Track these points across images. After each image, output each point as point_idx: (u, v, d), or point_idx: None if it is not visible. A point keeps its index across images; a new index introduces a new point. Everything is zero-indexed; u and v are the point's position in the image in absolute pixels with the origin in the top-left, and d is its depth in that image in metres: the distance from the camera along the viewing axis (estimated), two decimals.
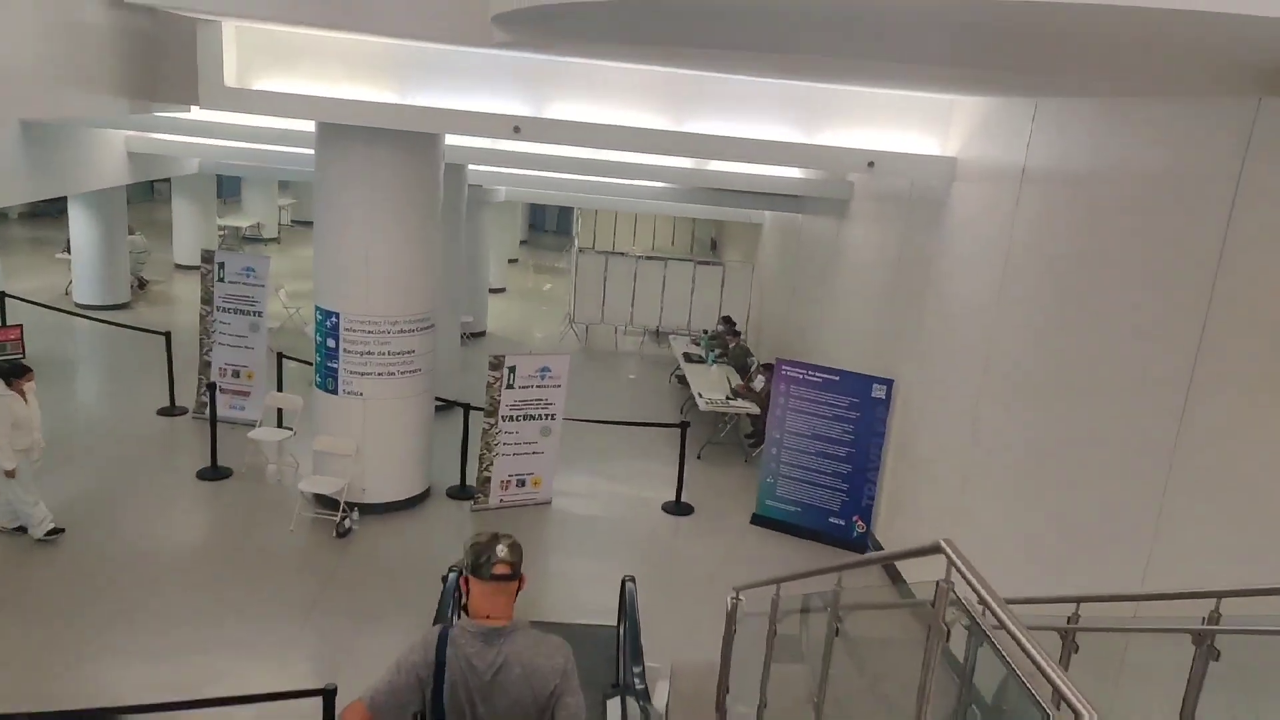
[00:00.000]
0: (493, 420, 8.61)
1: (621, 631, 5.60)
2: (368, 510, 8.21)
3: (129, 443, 9.58)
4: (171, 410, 10.41)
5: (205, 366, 10.27)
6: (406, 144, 7.72)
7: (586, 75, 7.30)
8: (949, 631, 2.91)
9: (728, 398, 10.88)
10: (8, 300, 12.28)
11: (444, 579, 5.56)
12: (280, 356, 10.21)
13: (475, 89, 7.25)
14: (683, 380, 12.80)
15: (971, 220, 7.21)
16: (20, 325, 9.06)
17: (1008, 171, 6.53)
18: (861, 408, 8.32)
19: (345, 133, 7.58)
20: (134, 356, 11.98)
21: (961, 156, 7.48)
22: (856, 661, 4.57)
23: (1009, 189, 6.48)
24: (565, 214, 29.88)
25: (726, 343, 13.33)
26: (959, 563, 2.86)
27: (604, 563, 7.72)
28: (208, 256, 10.34)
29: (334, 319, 8.04)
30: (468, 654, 2.77)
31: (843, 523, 8.47)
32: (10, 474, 6.99)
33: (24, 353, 8.63)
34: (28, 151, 10.06)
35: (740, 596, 5.58)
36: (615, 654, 5.80)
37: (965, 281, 7.16)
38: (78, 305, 14.40)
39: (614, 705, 5.27)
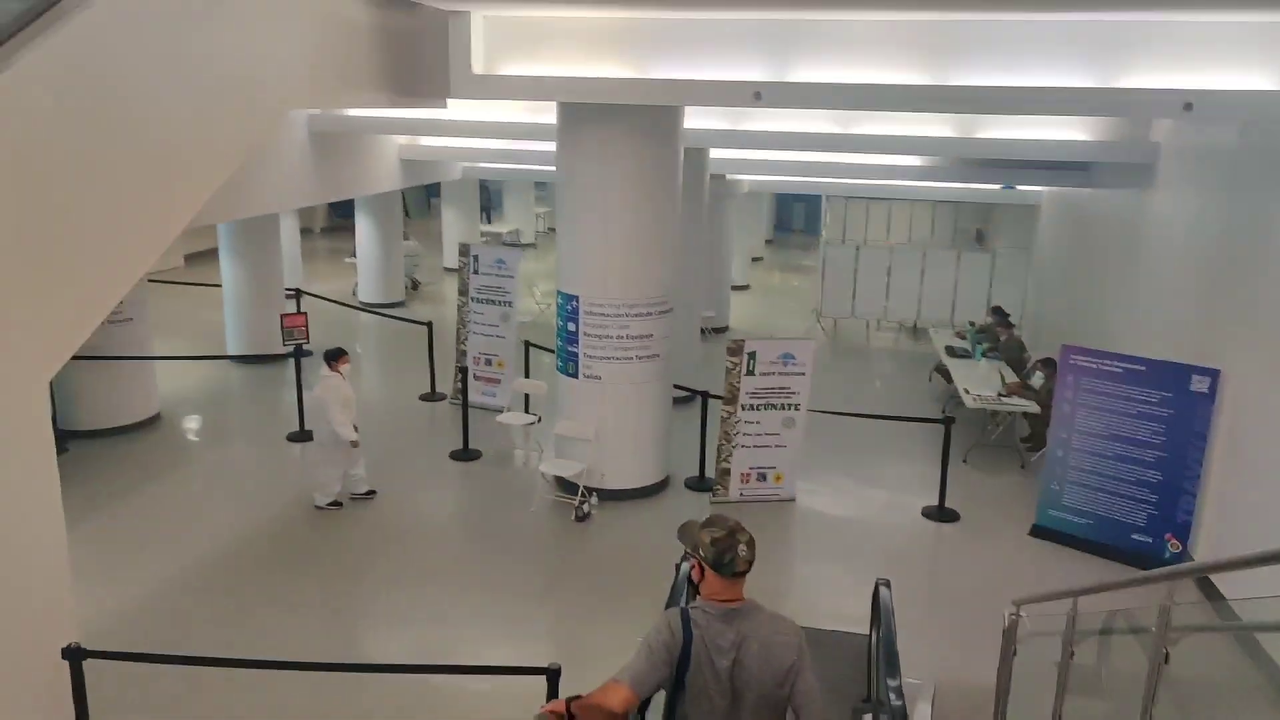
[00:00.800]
0: (732, 409, 8.14)
1: (874, 640, 4.87)
2: (606, 496, 8.06)
3: (395, 424, 10.26)
4: (432, 396, 11.06)
5: (461, 354, 10.78)
6: (644, 123, 7.54)
7: (832, 33, 6.60)
8: None
9: (1000, 395, 9.61)
10: (304, 297, 13.79)
11: (676, 567, 5.21)
12: (528, 345, 10.46)
13: (714, 59, 6.84)
14: (944, 375, 11.57)
15: None
16: (305, 314, 9.97)
17: None
18: (1176, 404, 6.86)
19: (584, 114, 7.55)
20: (404, 348, 12.93)
21: None
22: (1175, 702, 3.56)
23: None
24: (813, 213, 28.90)
25: (997, 335, 11.88)
26: None
27: (855, 568, 6.95)
28: (464, 250, 10.86)
29: (574, 302, 7.99)
30: (709, 633, 2.84)
31: (1150, 540, 7.03)
32: (355, 444, 7.60)
33: (308, 338, 9.47)
34: (315, 159, 11.17)
35: (1021, 613, 4.66)
36: (866, 666, 5.08)
37: None
38: (362, 303, 15.93)
39: None
